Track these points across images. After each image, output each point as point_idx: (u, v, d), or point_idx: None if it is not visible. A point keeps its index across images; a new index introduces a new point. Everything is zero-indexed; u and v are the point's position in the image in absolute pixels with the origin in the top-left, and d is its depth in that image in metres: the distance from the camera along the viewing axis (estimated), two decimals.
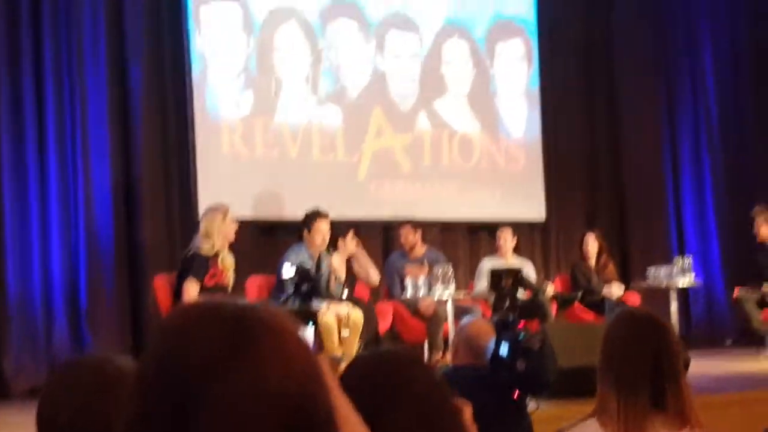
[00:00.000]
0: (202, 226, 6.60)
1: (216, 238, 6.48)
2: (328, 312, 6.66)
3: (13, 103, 6.94)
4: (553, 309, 7.82)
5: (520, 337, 3.07)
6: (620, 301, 8.09)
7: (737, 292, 8.20)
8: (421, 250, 8.07)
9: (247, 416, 0.88)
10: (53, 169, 7.06)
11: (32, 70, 7.04)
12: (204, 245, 6.46)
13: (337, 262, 7.08)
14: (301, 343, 0.95)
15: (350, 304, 6.90)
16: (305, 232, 7.16)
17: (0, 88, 6.87)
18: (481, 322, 3.42)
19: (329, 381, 0.97)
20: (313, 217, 7.13)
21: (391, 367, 1.57)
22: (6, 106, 6.89)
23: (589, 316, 8.11)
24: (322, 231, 7.07)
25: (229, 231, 6.62)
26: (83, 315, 7.02)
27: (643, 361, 2.22)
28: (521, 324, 3.66)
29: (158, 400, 0.90)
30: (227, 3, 8.00)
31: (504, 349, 3.11)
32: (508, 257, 8.33)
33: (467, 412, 1.70)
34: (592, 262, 8.46)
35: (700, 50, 10.01)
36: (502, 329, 3.19)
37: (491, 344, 3.20)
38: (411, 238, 8.04)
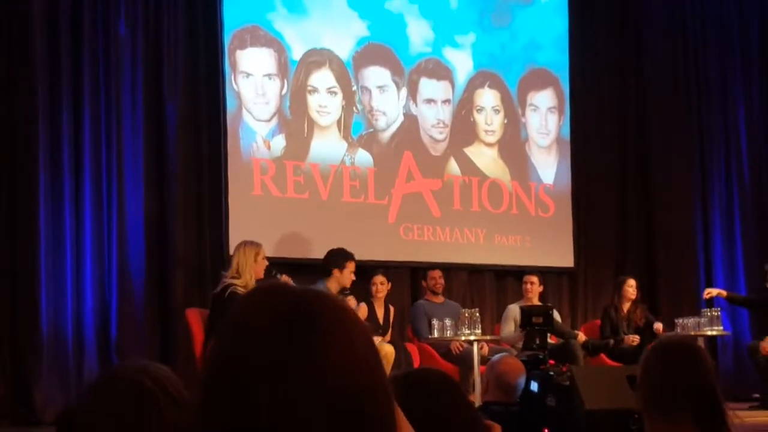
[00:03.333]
0: (235, 262, 6.53)
1: (247, 275, 6.44)
2: None
3: (51, 140, 7.05)
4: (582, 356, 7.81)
5: (551, 374, 3.08)
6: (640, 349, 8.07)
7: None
8: (441, 298, 8.12)
9: (307, 412, 0.88)
10: (88, 205, 7.16)
11: (70, 108, 7.16)
12: (237, 282, 6.41)
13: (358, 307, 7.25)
14: (364, 332, 0.94)
15: (380, 339, 7.01)
16: (336, 271, 7.20)
17: (38, 125, 6.98)
18: (511, 360, 3.43)
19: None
20: (348, 257, 7.20)
21: (422, 385, 1.60)
22: (44, 141, 7.00)
23: (614, 363, 8.07)
24: (353, 272, 7.19)
25: (260, 269, 6.59)
26: (113, 347, 7.08)
27: (682, 389, 2.21)
28: (551, 362, 3.67)
29: (219, 398, 0.91)
30: (263, 47, 8.14)
31: (535, 386, 3.12)
32: (534, 303, 8.32)
33: (497, 431, 1.72)
34: (626, 307, 8.44)
35: (733, 104, 10.04)
36: (533, 367, 3.21)
37: (522, 381, 3.20)
38: (440, 282, 8.10)
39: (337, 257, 7.22)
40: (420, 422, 1.43)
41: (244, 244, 6.63)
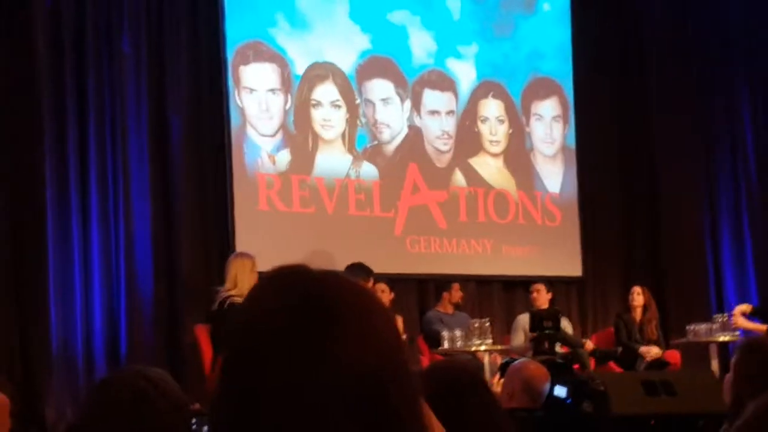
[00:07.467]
0: (232, 274, 6.48)
1: (245, 286, 6.39)
2: None
3: (57, 157, 7.06)
4: (591, 364, 7.75)
5: (584, 379, 3.03)
6: (656, 361, 7.99)
7: None
8: (451, 309, 8.11)
9: (323, 403, 0.84)
10: (95, 221, 7.16)
11: (75, 126, 7.18)
12: (234, 293, 6.38)
13: None
14: (387, 317, 0.89)
15: None
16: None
17: (44, 143, 6.99)
18: (536, 365, 3.37)
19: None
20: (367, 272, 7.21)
21: (449, 380, 1.57)
22: (50, 159, 7.01)
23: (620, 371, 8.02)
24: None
25: (254, 280, 6.55)
26: (123, 363, 7.05)
27: None
28: (576, 367, 3.63)
29: (231, 386, 0.88)
30: (266, 62, 8.13)
31: (561, 392, 3.07)
32: None
33: None
34: (637, 315, 8.36)
35: (738, 106, 10.01)
36: (558, 372, 3.17)
37: (548, 387, 3.16)
38: (458, 295, 8.10)
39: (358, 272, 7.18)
40: (444, 418, 1.40)
41: (240, 255, 6.65)
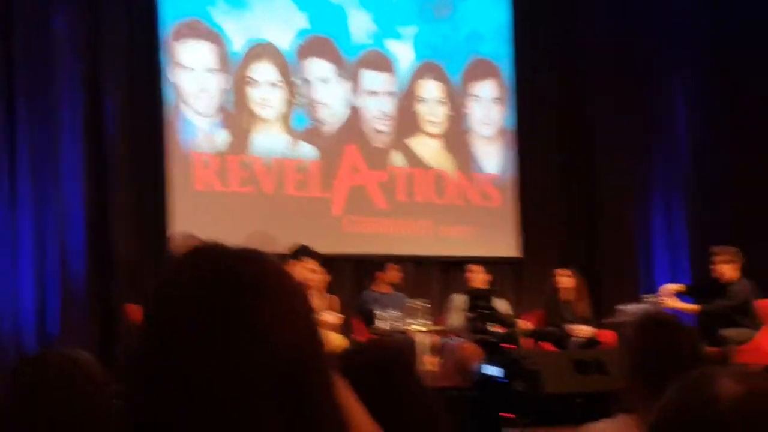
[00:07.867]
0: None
1: None
2: None
3: None
4: (527, 344, 7.81)
5: (516, 358, 3.07)
6: (588, 340, 8.07)
7: None
8: (389, 288, 8.09)
9: (242, 380, 0.84)
10: (25, 202, 7.04)
11: (5, 103, 7.04)
12: None
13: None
14: (302, 296, 0.90)
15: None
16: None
17: None
18: (470, 345, 3.41)
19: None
20: (301, 252, 7.05)
21: (376, 359, 1.58)
22: None
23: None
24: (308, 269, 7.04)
25: None
26: (53, 344, 6.95)
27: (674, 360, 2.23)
28: (510, 346, 3.65)
29: (148, 360, 0.87)
30: (202, 40, 8.05)
31: (495, 371, 3.11)
32: None
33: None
34: (565, 297, 8.41)
35: (674, 89, 10.14)
36: (491, 351, 3.20)
37: (480, 366, 3.19)
38: (395, 275, 8.07)
39: (295, 251, 7.04)
40: (373, 398, 1.40)
41: (188, 236, 6.59)
